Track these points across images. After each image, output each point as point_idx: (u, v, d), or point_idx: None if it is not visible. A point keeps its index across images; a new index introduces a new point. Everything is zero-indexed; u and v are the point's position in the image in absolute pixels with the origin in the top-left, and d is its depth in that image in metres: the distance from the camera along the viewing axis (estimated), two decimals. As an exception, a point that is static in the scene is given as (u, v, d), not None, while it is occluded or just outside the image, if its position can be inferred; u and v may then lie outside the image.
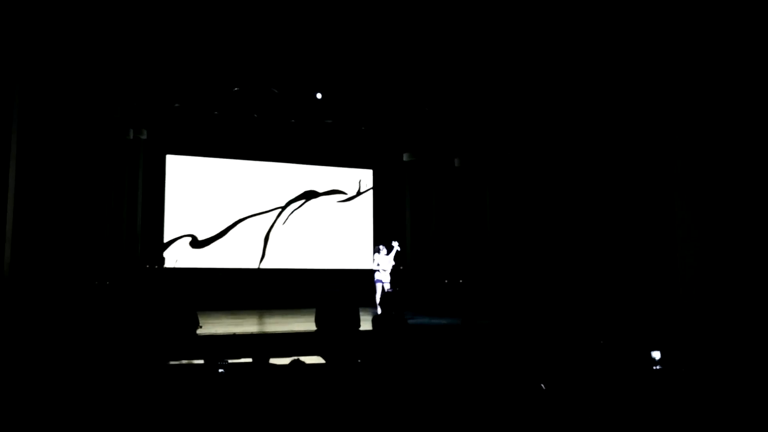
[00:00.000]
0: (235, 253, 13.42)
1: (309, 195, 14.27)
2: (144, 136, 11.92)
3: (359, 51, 10.60)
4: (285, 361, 4.79)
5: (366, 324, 8.92)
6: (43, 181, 9.81)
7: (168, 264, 12.22)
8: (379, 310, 10.64)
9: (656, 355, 6.03)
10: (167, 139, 12.79)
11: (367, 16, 9.75)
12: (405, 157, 14.28)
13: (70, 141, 10.30)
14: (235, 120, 12.86)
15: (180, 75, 11.01)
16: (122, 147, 11.36)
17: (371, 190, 14.95)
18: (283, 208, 13.97)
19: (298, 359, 4.60)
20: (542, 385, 4.23)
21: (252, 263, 13.53)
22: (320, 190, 14.47)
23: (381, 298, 10.94)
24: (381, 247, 11.49)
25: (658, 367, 5.86)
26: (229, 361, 5.54)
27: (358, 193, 14.87)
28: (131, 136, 11.55)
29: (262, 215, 13.83)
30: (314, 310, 9.33)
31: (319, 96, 11.92)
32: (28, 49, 9.28)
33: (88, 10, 9.27)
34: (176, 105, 11.95)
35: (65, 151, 10.21)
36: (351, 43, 10.37)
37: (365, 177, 14.98)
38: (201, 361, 5.50)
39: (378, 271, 11.25)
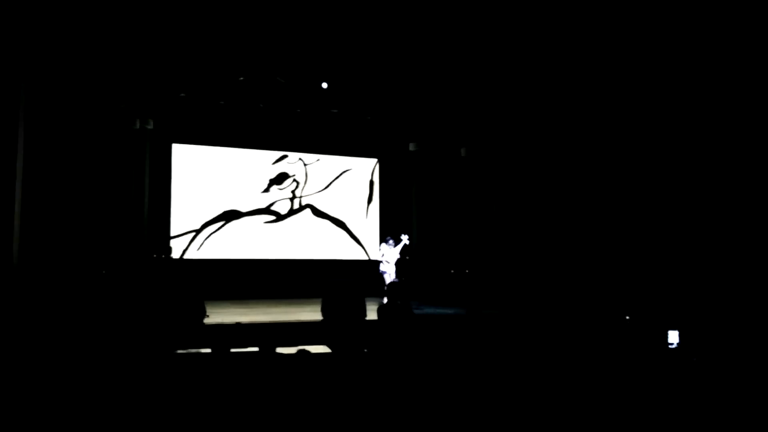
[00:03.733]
0: (242, 243, 13.45)
1: (230, 215, 13.36)
2: (150, 126, 11.94)
3: (365, 40, 10.56)
4: (291, 350, 4.81)
5: (372, 314, 8.94)
6: (50, 172, 9.85)
7: (175, 254, 12.26)
8: (385, 300, 10.64)
9: (673, 336, 6.04)
10: (173, 129, 12.79)
11: (374, 5, 9.70)
12: (411, 147, 14.24)
13: (77, 132, 10.34)
14: (241, 109, 12.85)
15: (186, 65, 11.00)
16: (129, 137, 11.39)
17: (309, 208, 13.94)
18: (198, 231, 13.05)
19: (304, 349, 4.62)
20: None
21: (259, 254, 13.55)
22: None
23: (387, 288, 10.92)
24: (389, 238, 11.45)
25: (673, 346, 5.87)
26: (236, 350, 5.56)
27: (291, 213, 13.79)
28: (138, 126, 11.57)
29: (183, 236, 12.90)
30: (320, 299, 9.36)
31: (324, 85, 11.89)
32: (35, 40, 9.28)
33: (94, 1, 9.26)
34: (182, 95, 11.94)
35: (72, 142, 10.24)
36: (357, 32, 10.32)
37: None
38: (208, 350, 5.52)
39: (382, 262, 11.22)
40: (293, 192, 13.91)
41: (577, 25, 9.92)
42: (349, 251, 14.38)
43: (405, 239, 11.32)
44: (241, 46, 10.61)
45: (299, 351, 4.60)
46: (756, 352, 5.68)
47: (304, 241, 13.99)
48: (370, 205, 14.72)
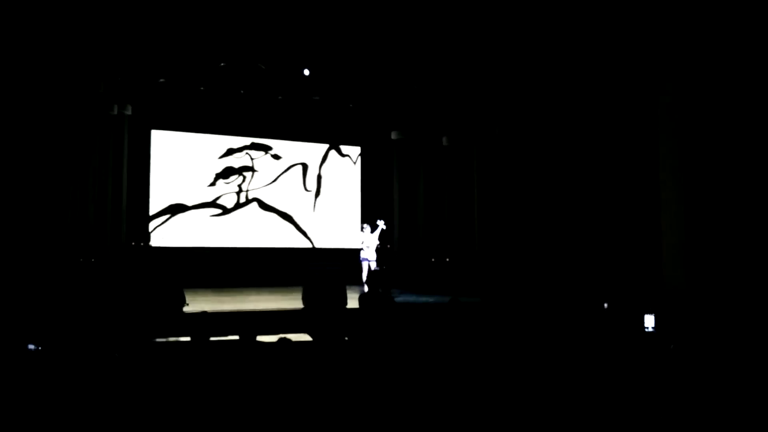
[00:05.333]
0: (222, 231, 13.36)
1: (175, 209, 12.89)
2: (129, 112, 11.75)
3: (347, 27, 10.47)
4: (272, 338, 4.80)
5: (353, 302, 8.95)
6: (25, 158, 9.66)
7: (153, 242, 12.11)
8: (366, 288, 10.67)
9: (649, 320, 6.15)
10: (152, 115, 12.62)
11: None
12: (393, 135, 14.22)
13: (54, 117, 10.13)
14: (221, 96, 12.71)
15: (165, 50, 10.82)
16: (106, 123, 11.20)
17: (256, 202, 13.62)
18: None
19: (285, 337, 4.61)
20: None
21: (240, 242, 13.47)
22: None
23: (368, 277, 10.97)
24: (365, 225, 11.53)
25: (649, 330, 5.97)
26: (216, 338, 5.54)
27: (237, 206, 13.43)
28: (115, 112, 11.38)
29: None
30: (301, 288, 9.34)
31: (306, 72, 11.79)
32: (9, 24, 9.06)
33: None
34: (161, 80, 11.77)
35: (48, 128, 10.04)
36: (339, 19, 10.23)
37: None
38: (187, 339, 5.49)
39: (363, 249, 11.27)
40: (240, 186, 13.59)
41: (561, 17, 9.93)
42: (328, 240, 14.35)
43: (381, 224, 11.40)
44: (222, 32, 10.46)
45: (280, 339, 4.58)
46: (735, 338, 5.78)
47: (289, 226, 13.94)
48: (318, 198, 14.36)
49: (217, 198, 13.39)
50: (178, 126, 13.09)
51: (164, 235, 12.80)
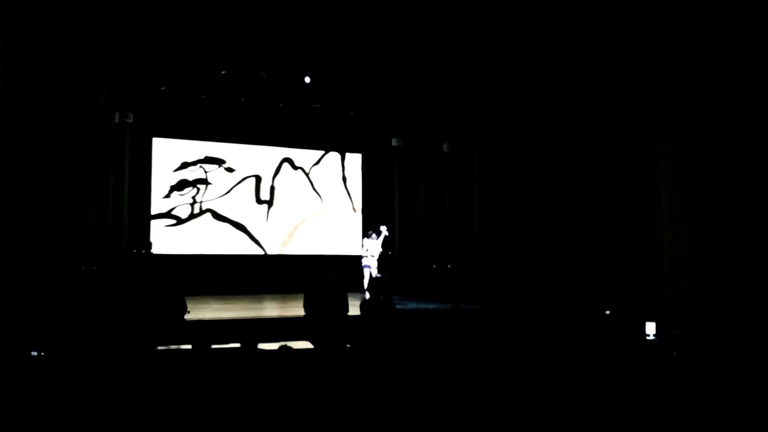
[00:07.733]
0: (222, 239, 13.38)
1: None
2: (130, 120, 11.80)
3: (348, 34, 10.51)
4: (273, 346, 4.79)
5: (354, 309, 8.94)
6: (28, 166, 9.68)
7: (155, 249, 12.14)
8: (367, 296, 10.66)
9: (650, 327, 6.14)
10: (154, 123, 12.67)
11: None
12: (394, 142, 14.25)
13: (56, 125, 10.16)
14: (223, 103, 12.75)
15: (167, 58, 10.87)
16: (108, 131, 11.24)
17: (209, 213, 13.43)
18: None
19: (286, 345, 4.61)
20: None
21: (239, 249, 13.48)
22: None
23: (369, 284, 10.97)
24: (371, 232, 11.52)
25: (651, 338, 5.97)
26: (217, 346, 5.53)
27: (191, 216, 13.20)
28: (117, 120, 11.42)
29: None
30: (303, 295, 9.34)
31: (307, 80, 11.83)
32: (12, 33, 9.11)
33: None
34: (162, 88, 11.82)
35: (50, 136, 10.07)
36: (340, 26, 10.27)
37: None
38: (189, 347, 5.49)
39: (366, 256, 11.27)
40: (194, 197, 13.35)
41: (560, 21, 9.96)
42: (331, 246, 14.35)
43: (384, 230, 11.44)
44: (223, 40, 10.51)
45: (281, 347, 4.58)
46: (737, 346, 5.78)
47: (291, 233, 13.95)
48: (271, 209, 14.07)
49: (172, 209, 13.23)
50: (180, 134, 13.13)
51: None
